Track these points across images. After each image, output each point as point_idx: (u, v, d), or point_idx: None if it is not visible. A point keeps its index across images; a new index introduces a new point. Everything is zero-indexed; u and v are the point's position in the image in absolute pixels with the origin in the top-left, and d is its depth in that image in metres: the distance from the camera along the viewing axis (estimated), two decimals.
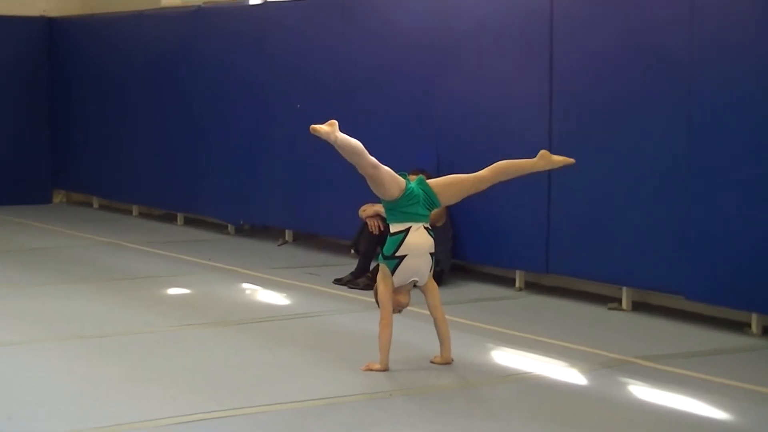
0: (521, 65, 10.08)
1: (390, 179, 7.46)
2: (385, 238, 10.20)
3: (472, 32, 10.49)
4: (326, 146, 12.12)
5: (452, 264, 10.64)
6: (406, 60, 11.26)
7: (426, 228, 7.53)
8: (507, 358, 7.95)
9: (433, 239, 7.58)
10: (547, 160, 7.65)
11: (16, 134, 16.76)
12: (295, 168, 12.55)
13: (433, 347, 7.65)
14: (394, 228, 7.52)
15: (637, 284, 9.37)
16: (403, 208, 7.48)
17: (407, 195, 7.47)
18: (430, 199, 7.59)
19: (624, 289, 9.45)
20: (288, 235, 13.02)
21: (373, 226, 10.42)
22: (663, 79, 8.96)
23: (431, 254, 7.54)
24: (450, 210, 10.48)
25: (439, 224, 10.41)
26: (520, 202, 10.08)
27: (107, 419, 6.23)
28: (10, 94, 16.67)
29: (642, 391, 7.09)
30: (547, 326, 8.80)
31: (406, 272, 7.45)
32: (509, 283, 10.42)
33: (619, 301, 9.47)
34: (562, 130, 9.70)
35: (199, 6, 14.27)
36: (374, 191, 7.56)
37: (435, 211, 10.27)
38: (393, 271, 7.44)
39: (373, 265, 10.38)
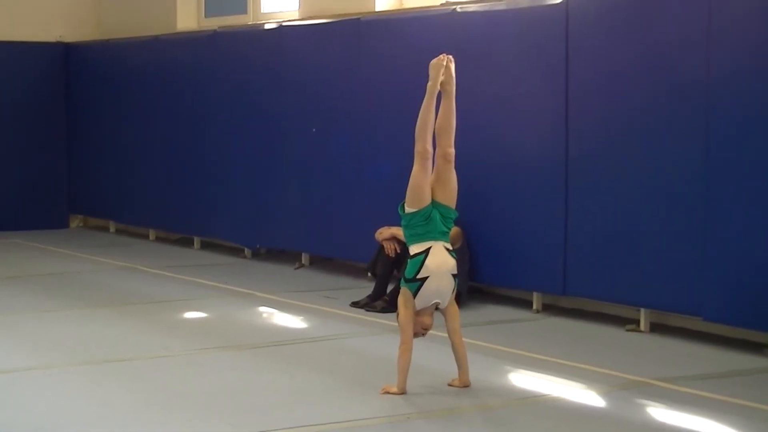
0: (537, 86, 10.08)
1: (424, 182, 7.57)
2: (402, 261, 10.28)
3: (486, 55, 10.49)
4: (342, 169, 12.20)
5: (469, 286, 10.62)
6: (420, 83, 11.25)
7: (447, 248, 7.51)
8: (525, 380, 7.93)
9: (455, 260, 7.51)
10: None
11: (33, 159, 16.81)
12: (311, 191, 12.56)
13: (450, 370, 7.63)
14: (413, 249, 7.47)
15: (654, 305, 9.33)
16: (418, 227, 7.46)
17: (424, 212, 7.46)
18: (446, 212, 7.61)
19: (642, 310, 9.41)
20: (305, 258, 13.02)
21: (390, 248, 10.42)
22: (680, 99, 8.95)
23: (453, 276, 7.49)
24: (466, 232, 10.48)
25: (455, 246, 10.38)
26: (537, 224, 10.07)
27: None
28: (27, 120, 16.73)
29: (660, 413, 7.06)
30: (565, 348, 8.78)
31: (428, 295, 7.41)
32: (526, 305, 10.39)
33: (637, 322, 9.44)
34: (579, 150, 9.69)
35: (214, 30, 14.31)
36: (411, 184, 7.57)
37: (451, 234, 10.32)
38: (415, 294, 7.38)
39: (390, 288, 10.38)
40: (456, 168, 10.74)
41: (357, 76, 11.94)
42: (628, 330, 9.42)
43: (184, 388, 7.54)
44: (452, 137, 7.86)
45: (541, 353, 8.55)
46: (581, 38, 9.69)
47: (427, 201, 7.53)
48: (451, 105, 7.93)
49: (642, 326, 9.39)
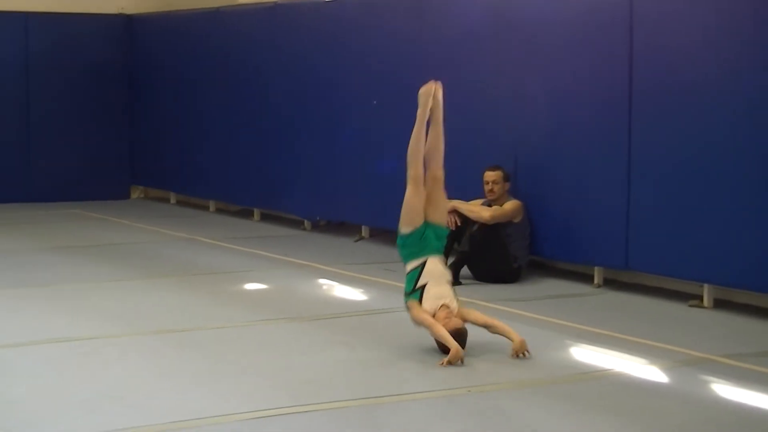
0: (600, 59, 9.97)
1: (418, 205, 7.97)
2: (462, 233, 10.26)
3: (549, 28, 10.40)
4: (403, 142, 12.14)
5: (530, 260, 10.56)
6: (482, 58, 11.19)
7: (441, 262, 7.87)
8: (586, 355, 7.87)
9: (448, 270, 7.92)
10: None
11: (95, 131, 16.94)
12: (371, 164, 12.53)
13: (507, 342, 7.59)
14: (410, 266, 7.82)
15: (718, 281, 9.22)
16: (414, 246, 7.84)
17: (418, 231, 7.87)
18: (438, 231, 7.97)
19: (705, 285, 9.31)
20: (364, 231, 13.01)
21: (451, 221, 10.37)
22: (749, 68, 8.80)
23: (449, 283, 7.81)
24: (527, 206, 10.42)
25: (516, 220, 10.36)
26: (599, 197, 9.98)
27: (187, 414, 6.25)
28: (89, 92, 16.85)
29: (723, 390, 6.99)
30: (627, 323, 8.71)
31: (433, 298, 7.68)
32: (588, 279, 10.32)
33: (701, 298, 9.34)
34: (642, 123, 9.58)
35: (275, 2, 14.30)
36: (405, 207, 8.06)
37: (512, 208, 10.29)
38: (420, 302, 7.67)
39: (450, 260, 10.34)
40: (519, 142, 10.73)
41: (417, 47, 11.88)
42: (690, 306, 9.32)
43: (244, 359, 7.56)
44: (441, 160, 8.26)
45: (602, 328, 8.48)
46: (646, 7, 9.56)
47: (421, 221, 7.93)
48: (438, 130, 8.34)
49: (705, 302, 9.29)
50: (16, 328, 8.40)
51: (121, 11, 17.14)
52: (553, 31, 10.39)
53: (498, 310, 9.09)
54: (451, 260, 10.31)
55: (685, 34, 9.26)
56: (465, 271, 10.33)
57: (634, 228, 9.70)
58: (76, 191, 16.64)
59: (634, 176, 9.65)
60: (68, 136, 16.73)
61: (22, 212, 15.43)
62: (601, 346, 7.98)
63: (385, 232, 12.89)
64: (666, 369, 7.36)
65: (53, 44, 16.61)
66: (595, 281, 10.20)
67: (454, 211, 10.40)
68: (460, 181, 11.07)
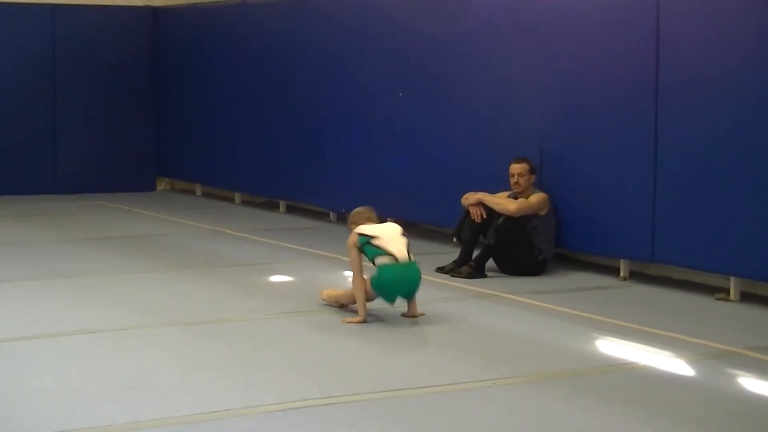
0: (626, 52, 9.93)
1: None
2: (488, 226, 10.25)
3: (574, 21, 10.37)
4: (428, 135, 12.19)
5: (555, 252, 10.54)
6: (507, 50, 11.17)
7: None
8: (611, 347, 7.85)
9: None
10: None
11: (122, 123, 17.00)
12: (397, 156, 12.53)
13: (533, 335, 7.57)
14: (378, 261, 8.30)
15: (745, 274, 9.18)
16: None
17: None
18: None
19: (732, 278, 9.28)
20: None
21: (476, 214, 10.38)
22: None
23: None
24: (553, 198, 10.40)
25: (542, 213, 10.34)
26: (625, 190, 9.95)
27: (212, 405, 6.27)
28: (115, 84, 16.91)
29: (749, 383, 6.96)
30: (652, 316, 8.68)
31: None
32: (613, 272, 10.29)
33: (727, 291, 9.30)
34: (668, 115, 9.55)
35: None
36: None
37: (537, 200, 10.28)
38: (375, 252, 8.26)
39: (476, 253, 10.34)
40: (545, 134, 10.70)
41: (443, 41, 11.88)
42: (717, 299, 9.29)
43: (270, 351, 7.58)
44: None
45: (628, 321, 8.46)
46: (672, 4, 9.52)
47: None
48: None
49: (732, 295, 9.26)
50: (43, 319, 8.44)
51: (147, 3, 17.19)
52: (580, 21, 10.35)
53: (523, 303, 9.09)
54: (476, 253, 10.32)
55: (712, 26, 9.21)
56: (490, 263, 10.32)
57: (660, 220, 9.67)
58: (103, 183, 16.71)
59: (660, 168, 9.62)
60: (94, 128, 16.81)
61: (49, 204, 15.51)
62: (627, 339, 7.96)
63: (410, 224, 12.89)
64: (692, 362, 7.34)
65: (80, 36, 16.68)
66: (621, 274, 10.18)
67: (480, 204, 10.40)
68: (486, 173, 11.09)
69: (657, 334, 8.06)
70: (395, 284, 8.29)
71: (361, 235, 8.36)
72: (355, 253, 8.36)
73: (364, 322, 8.25)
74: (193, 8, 16.66)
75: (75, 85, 16.68)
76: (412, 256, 8.39)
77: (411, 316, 8.48)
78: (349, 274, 10.44)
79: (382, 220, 8.98)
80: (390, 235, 8.36)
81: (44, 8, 16.42)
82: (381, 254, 8.27)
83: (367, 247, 8.32)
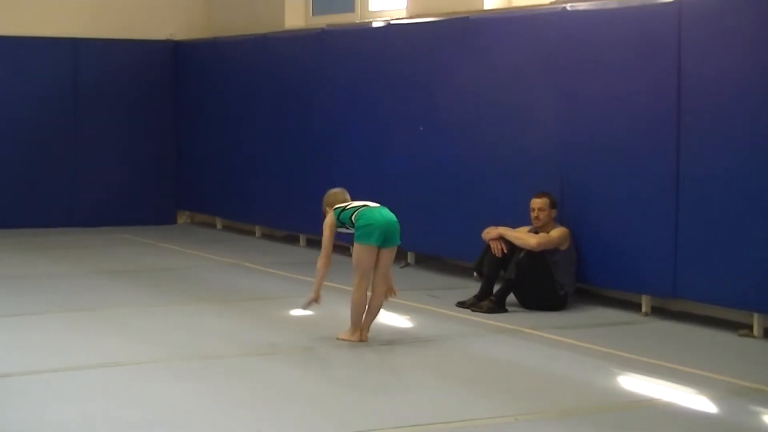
0: (648, 86, 9.91)
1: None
2: (509, 261, 10.22)
3: (596, 54, 10.37)
4: (450, 169, 12.17)
5: (576, 287, 10.50)
6: (528, 87, 11.17)
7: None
8: (634, 383, 7.80)
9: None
10: None
11: (142, 156, 17.04)
12: (417, 190, 12.52)
13: (554, 370, 7.53)
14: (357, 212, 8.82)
15: None
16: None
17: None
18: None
19: (755, 314, 9.21)
20: (410, 257, 12.99)
21: (497, 248, 10.35)
22: None
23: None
24: (574, 233, 10.37)
25: (563, 247, 10.30)
26: (647, 225, 9.91)
27: None
28: (137, 116, 16.96)
29: None
30: (675, 352, 8.63)
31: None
32: (635, 307, 10.24)
33: (750, 327, 9.24)
34: (690, 150, 9.52)
35: (322, 28, 14.35)
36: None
37: (558, 235, 10.25)
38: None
39: (497, 288, 10.31)
40: (566, 167, 10.68)
41: (464, 75, 11.88)
42: (740, 335, 9.22)
43: (290, 386, 7.55)
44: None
45: (650, 356, 8.41)
46: (694, 37, 9.52)
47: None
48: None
49: (755, 331, 9.19)
50: (65, 352, 8.44)
51: (169, 37, 17.26)
52: (601, 54, 10.35)
53: (545, 338, 9.04)
54: (497, 287, 10.29)
55: (732, 55, 9.20)
56: (511, 298, 10.28)
57: (682, 255, 9.62)
58: (123, 216, 16.73)
59: (682, 203, 9.58)
60: (115, 161, 16.84)
61: (69, 236, 15.54)
62: (649, 375, 7.91)
63: (431, 258, 12.87)
64: (715, 399, 7.29)
65: (102, 70, 16.74)
66: (643, 309, 10.12)
67: (501, 238, 10.37)
68: (507, 206, 11.07)
69: (680, 371, 8.00)
70: (375, 218, 8.72)
71: (335, 208, 8.84)
72: (329, 233, 8.82)
73: (315, 301, 8.87)
74: (214, 42, 16.72)
75: (96, 119, 16.72)
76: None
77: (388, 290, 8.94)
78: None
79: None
80: (364, 200, 8.96)
81: (67, 42, 16.49)
82: (356, 207, 8.83)
83: (343, 213, 8.81)
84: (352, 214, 8.77)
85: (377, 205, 8.92)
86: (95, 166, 16.71)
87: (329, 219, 8.85)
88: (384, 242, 8.75)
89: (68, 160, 16.60)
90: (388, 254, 8.87)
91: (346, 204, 8.89)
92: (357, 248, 8.77)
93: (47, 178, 16.49)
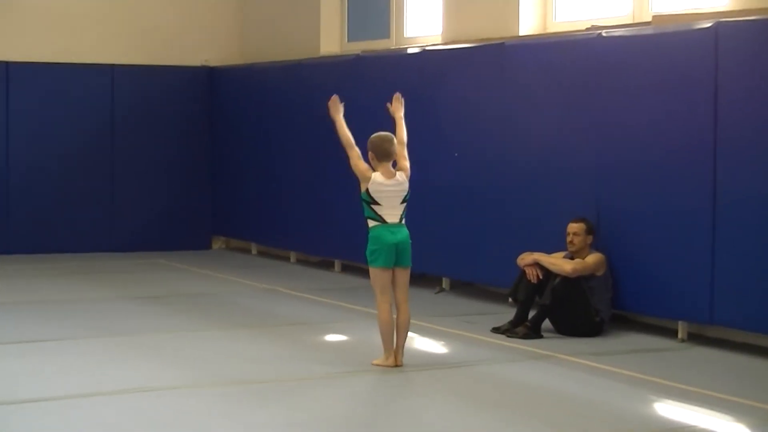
0: (684, 112, 9.88)
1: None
2: (544, 287, 10.19)
3: (632, 80, 10.35)
4: (485, 194, 12.13)
5: (612, 314, 10.45)
6: (562, 111, 11.16)
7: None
8: (671, 410, 7.76)
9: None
10: None
11: (178, 181, 17.12)
12: (452, 215, 12.51)
13: (590, 397, 7.48)
14: (371, 223, 8.98)
15: None
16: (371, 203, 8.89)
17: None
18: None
19: None
20: (445, 282, 12.98)
21: (532, 274, 10.32)
22: None
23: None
24: (610, 258, 10.33)
25: (599, 273, 10.26)
26: (683, 250, 9.86)
27: None
28: (172, 142, 17.05)
29: None
30: (712, 379, 8.56)
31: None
32: (671, 334, 10.17)
33: None
34: (728, 175, 9.48)
35: (357, 54, 14.40)
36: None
37: (594, 261, 10.21)
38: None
39: (532, 314, 10.27)
40: (602, 193, 10.64)
41: (499, 100, 11.88)
42: None
43: (326, 412, 7.55)
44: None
45: (687, 383, 8.35)
46: (731, 63, 9.49)
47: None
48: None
49: None
50: (99, 377, 8.47)
51: (204, 63, 17.36)
52: (636, 79, 10.33)
53: (580, 364, 9.00)
54: (532, 313, 10.26)
55: None
56: (546, 324, 10.24)
57: (719, 281, 9.57)
58: (159, 241, 16.80)
59: (719, 228, 9.53)
60: (151, 187, 16.94)
61: (106, 262, 15.61)
62: (686, 402, 7.86)
63: (467, 284, 12.85)
64: (754, 427, 7.23)
65: (138, 96, 16.85)
66: (680, 336, 10.06)
67: (536, 264, 10.35)
68: (542, 232, 11.05)
69: (717, 398, 7.95)
70: (382, 240, 8.88)
71: (368, 192, 8.92)
72: (355, 153, 9.27)
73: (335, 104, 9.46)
74: (250, 68, 16.79)
75: (132, 144, 16.83)
76: (403, 219, 9.07)
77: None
78: None
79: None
80: (390, 205, 8.96)
81: (104, 69, 16.62)
82: (374, 217, 8.94)
83: (366, 206, 8.96)
84: (368, 218, 8.99)
85: (395, 220, 9.01)
86: (131, 192, 16.82)
87: (366, 175, 8.99)
88: (395, 262, 8.92)
89: (105, 186, 16.70)
90: (403, 272, 9.04)
91: (376, 200, 8.95)
92: (370, 269, 8.99)
93: (84, 203, 16.59)
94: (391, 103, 9.71)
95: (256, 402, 7.80)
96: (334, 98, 9.29)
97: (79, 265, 15.17)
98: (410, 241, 9.04)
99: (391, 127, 9.87)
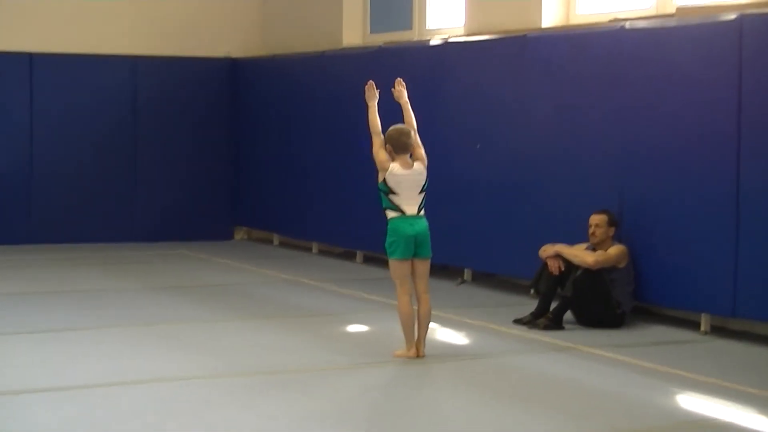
0: (708, 104, 9.85)
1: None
2: (566, 279, 10.18)
3: (656, 72, 10.32)
4: (507, 186, 12.13)
5: (634, 306, 10.43)
6: (585, 103, 11.13)
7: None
8: (693, 403, 7.74)
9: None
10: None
11: (200, 172, 17.15)
12: (474, 207, 12.51)
13: (612, 389, 7.47)
14: (389, 214, 8.96)
15: None
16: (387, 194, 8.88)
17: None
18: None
19: None
20: (467, 274, 12.97)
21: (554, 266, 10.31)
22: None
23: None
24: (633, 251, 10.31)
25: (621, 265, 10.24)
26: (706, 242, 9.83)
27: None
28: (194, 133, 17.09)
29: None
30: (735, 372, 8.54)
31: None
32: (694, 326, 10.15)
33: None
34: (751, 167, 9.44)
35: (379, 46, 14.39)
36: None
37: (616, 253, 10.19)
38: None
39: (553, 305, 10.26)
40: (625, 185, 10.61)
41: (522, 92, 11.86)
42: None
43: (348, 403, 7.56)
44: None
45: (709, 376, 8.33)
46: (755, 55, 9.45)
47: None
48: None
49: None
50: (121, 367, 8.50)
51: (227, 55, 17.38)
52: (660, 71, 10.29)
53: (602, 356, 8.99)
54: (554, 305, 10.25)
55: None
56: (568, 315, 10.23)
57: (742, 273, 9.54)
58: (181, 232, 16.85)
59: (743, 220, 9.50)
60: (174, 178, 16.98)
61: (128, 252, 15.65)
62: (709, 395, 7.84)
63: (488, 275, 12.84)
64: None
65: (160, 87, 16.90)
66: (702, 328, 10.03)
67: (558, 256, 10.34)
68: (564, 224, 11.03)
69: (739, 390, 7.92)
70: (400, 232, 8.85)
71: (385, 182, 8.90)
72: (379, 141, 9.22)
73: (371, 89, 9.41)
74: (273, 60, 16.81)
75: (155, 135, 16.88)
76: (422, 210, 9.04)
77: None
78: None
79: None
80: (407, 195, 8.93)
81: (126, 60, 16.67)
82: (392, 208, 8.91)
83: (384, 196, 8.92)
84: (386, 209, 8.97)
85: (413, 211, 8.98)
86: (153, 182, 16.87)
87: (385, 166, 8.99)
88: (414, 253, 8.91)
89: (127, 177, 16.76)
90: (422, 263, 9.01)
91: (393, 190, 8.93)
92: (389, 261, 8.98)
93: (106, 194, 16.64)
94: (395, 88, 9.70)
95: (277, 392, 7.81)
96: (370, 83, 9.25)
97: (101, 256, 15.23)
98: (429, 233, 9.02)
99: (419, 116, 9.85)
